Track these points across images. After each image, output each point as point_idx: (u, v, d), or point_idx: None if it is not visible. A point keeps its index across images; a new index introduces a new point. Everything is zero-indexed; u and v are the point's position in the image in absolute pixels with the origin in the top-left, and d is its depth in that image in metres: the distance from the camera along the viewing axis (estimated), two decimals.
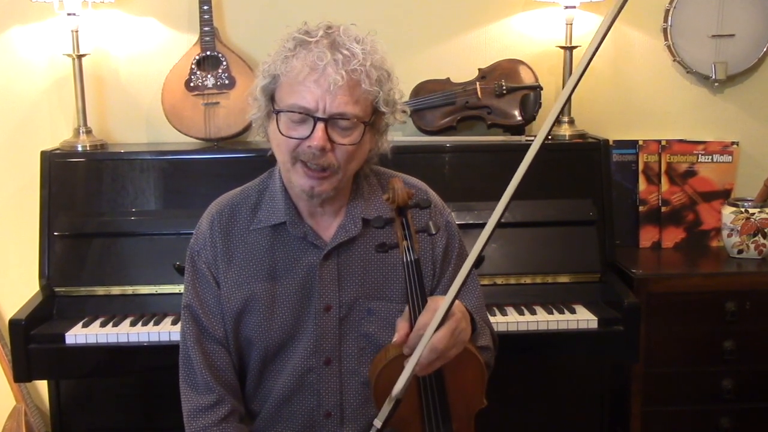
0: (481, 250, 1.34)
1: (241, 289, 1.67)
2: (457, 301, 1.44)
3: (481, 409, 1.63)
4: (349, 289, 1.67)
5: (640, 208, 2.86)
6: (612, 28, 1.27)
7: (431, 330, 1.39)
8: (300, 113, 1.53)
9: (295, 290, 1.67)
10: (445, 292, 1.54)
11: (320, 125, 1.52)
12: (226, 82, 2.67)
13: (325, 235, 1.68)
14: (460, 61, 2.86)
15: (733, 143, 2.88)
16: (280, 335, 1.67)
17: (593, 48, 1.27)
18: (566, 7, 2.72)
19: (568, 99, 1.40)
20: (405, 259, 1.51)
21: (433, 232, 1.52)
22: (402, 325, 1.50)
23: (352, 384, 1.69)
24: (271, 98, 1.60)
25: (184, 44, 2.78)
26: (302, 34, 1.56)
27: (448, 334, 1.45)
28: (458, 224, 1.81)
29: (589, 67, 1.28)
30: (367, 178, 1.73)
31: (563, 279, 2.52)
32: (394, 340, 1.50)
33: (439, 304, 1.42)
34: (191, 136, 2.70)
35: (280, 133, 1.56)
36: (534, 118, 2.74)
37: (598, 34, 1.26)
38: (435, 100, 2.75)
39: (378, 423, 1.44)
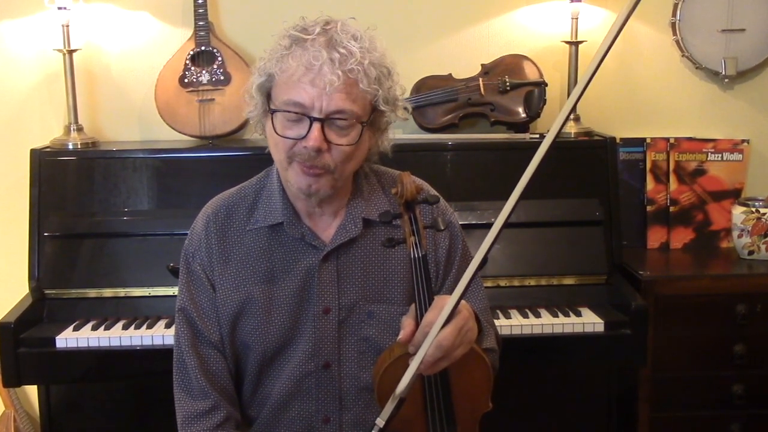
0: (488, 250, 1.33)
1: (238, 292, 1.65)
2: (463, 301, 1.43)
3: (486, 412, 1.61)
4: (349, 291, 1.65)
5: (648, 208, 2.82)
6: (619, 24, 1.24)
7: (437, 327, 1.39)
8: (296, 113, 1.51)
9: (293, 292, 1.64)
10: (449, 294, 1.53)
11: (316, 125, 1.50)
12: (222, 78, 2.66)
13: (324, 236, 1.66)
14: (463, 57, 2.84)
15: (743, 141, 2.85)
16: (278, 338, 1.65)
17: (603, 50, 1.24)
18: (572, 1, 2.70)
19: (574, 107, 1.39)
20: (412, 255, 1.50)
21: (441, 228, 1.53)
22: (407, 323, 1.48)
23: (351, 389, 1.67)
24: (268, 96, 1.58)
25: (178, 39, 2.76)
26: (298, 32, 1.53)
27: (455, 332, 1.43)
28: (461, 224, 1.79)
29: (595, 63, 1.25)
30: (367, 177, 1.71)
31: (568, 281, 2.50)
32: (400, 337, 1.48)
33: (445, 302, 1.41)
34: (185, 134, 2.69)
35: (276, 132, 1.54)
36: (538, 115, 2.72)
37: (610, 34, 1.24)
38: (436, 97, 2.72)
39: (380, 422, 1.42)
